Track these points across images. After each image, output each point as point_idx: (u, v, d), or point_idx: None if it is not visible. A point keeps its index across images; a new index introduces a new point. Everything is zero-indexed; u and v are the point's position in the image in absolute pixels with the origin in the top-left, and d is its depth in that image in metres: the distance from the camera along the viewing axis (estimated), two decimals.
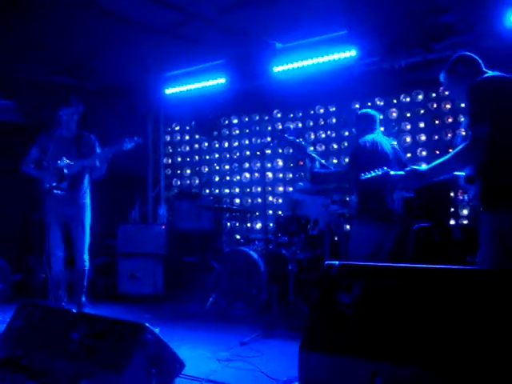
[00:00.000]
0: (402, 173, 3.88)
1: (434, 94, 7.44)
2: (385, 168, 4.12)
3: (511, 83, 3.61)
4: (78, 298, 6.07)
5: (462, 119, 7.00)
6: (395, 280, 2.83)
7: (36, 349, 3.96)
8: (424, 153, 7.42)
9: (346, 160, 7.89)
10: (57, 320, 4.08)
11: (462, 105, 7.04)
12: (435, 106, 7.44)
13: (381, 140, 5.63)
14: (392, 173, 4.14)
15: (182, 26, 6.57)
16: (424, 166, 3.76)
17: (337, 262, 3.02)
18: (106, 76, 8.65)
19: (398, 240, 5.70)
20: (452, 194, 6.89)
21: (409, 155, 7.41)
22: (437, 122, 7.41)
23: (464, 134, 4.09)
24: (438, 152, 7.14)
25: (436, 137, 7.39)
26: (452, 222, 7.05)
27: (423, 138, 7.51)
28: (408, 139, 7.59)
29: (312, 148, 8.28)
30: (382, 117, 7.73)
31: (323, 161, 6.29)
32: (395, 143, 5.99)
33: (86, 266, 6.09)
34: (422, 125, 7.53)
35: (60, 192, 5.91)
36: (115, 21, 6.42)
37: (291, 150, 8.53)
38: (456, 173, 4.04)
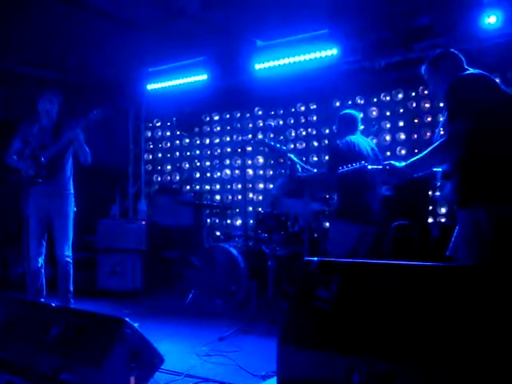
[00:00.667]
0: (380, 167, 3.92)
1: (413, 93, 7.52)
2: (362, 162, 4.16)
3: (490, 80, 3.67)
4: (64, 295, 5.80)
5: (441, 118, 7.08)
6: (373, 276, 2.87)
7: (15, 343, 3.95)
8: (403, 151, 7.50)
9: (326, 158, 7.99)
10: (35, 314, 4.07)
11: (441, 104, 7.14)
12: (415, 105, 7.52)
13: (358, 141, 5.67)
14: (369, 167, 4.19)
15: (165, 22, 6.57)
16: (402, 163, 3.80)
17: (315, 259, 3.05)
18: (87, 70, 8.60)
19: (376, 240, 5.76)
20: (430, 192, 6.97)
21: (388, 153, 7.49)
22: (416, 120, 7.50)
23: (442, 132, 4.14)
24: (416, 151, 7.20)
25: (415, 136, 7.47)
26: (430, 219, 7.14)
27: (403, 136, 7.58)
28: (388, 138, 7.66)
29: (292, 146, 8.33)
30: (362, 115, 7.79)
31: (303, 164, 6.38)
32: (374, 145, 6.03)
33: (69, 261, 5.81)
34: (401, 123, 7.61)
35: (40, 180, 5.72)
36: (97, 15, 6.41)
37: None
38: (434, 169, 4.08)
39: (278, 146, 6.34)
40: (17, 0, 6.03)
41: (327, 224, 7.66)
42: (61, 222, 5.79)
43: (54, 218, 5.82)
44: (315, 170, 6.52)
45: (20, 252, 7.34)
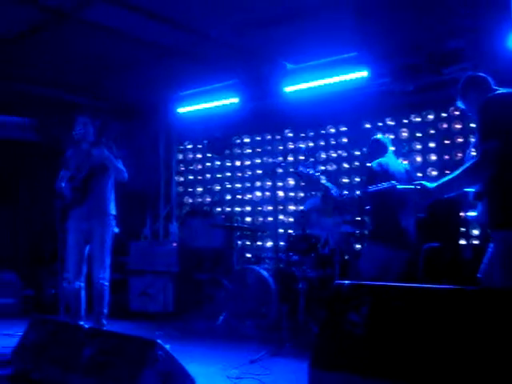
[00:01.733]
0: (410, 187, 3.90)
1: (444, 114, 7.47)
2: (392, 182, 4.15)
3: None
4: (97, 317, 5.76)
5: (473, 139, 7.03)
6: (405, 300, 2.84)
7: (48, 363, 4.01)
8: (434, 172, 7.44)
9: (357, 179, 7.99)
10: (69, 335, 4.13)
11: (472, 125, 7.09)
12: (445, 125, 7.46)
13: (390, 162, 5.72)
14: (399, 186, 4.18)
15: (196, 46, 6.66)
16: (433, 183, 3.77)
17: (347, 282, 3.04)
18: (119, 95, 8.76)
19: (409, 264, 5.73)
20: (462, 214, 6.89)
21: (419, 175, 7.43)
22: (447, 141, 7.44)
23: (474, 153, 4.11)
24: (448, 172, 7.12)
25: (446, 156, 7.41)
26: (462, 241, 7.05)
27: (434, 157, 7.52)
28: (418, 159, 7.61)
29: (323, 168, 8.31)
30: (392, 137, 7.79)
31: (335, 188, 6.45)
32: (407, 166, 6.06)
33: (105, 284, 5.78)
34: (432, 145, 7.55)
35: (76, 204, 5.77)
36: (130, 41, 6.53)
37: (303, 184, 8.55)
38: (466, 189, 4.04)
39: (312, 172, 6.37)
40: (52, 27, 6.18)
41: (358, 246, 7.64)
42: (97, 244, 5.77)
43: (92, 240, 5.80)
44: (346, 192, 6.55)
45: (53, 273, 7.44)
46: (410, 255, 5.77)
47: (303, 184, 8.62)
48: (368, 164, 5.76)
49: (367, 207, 5.87)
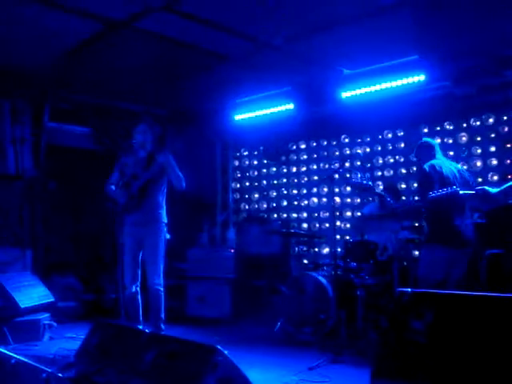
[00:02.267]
0: (472, 192, 3.83)
1: (505, 117, 7.30)
2: (454, 187, 4.08)
3: None
4: (155, 322, 5.87)
5: None
6: (469, 308, 2.79)
7: (109, 367, 4.07)
8: (495, 177, 7.26)
9: (415, 185, 7.88)
10: (130, 339, 4.18)
11: None
12: (506, 129, 7.30)
13: (443, 164, 5.63)
14: (461, 192, 4.11)
15: (252, 54, 6.70)
16: (495, 189, 3.69)
17: (409, 289, 3.01)
18: (176, 103, 8.89)
19: (470, 266, 5.62)
20: None
21: (480, 180, 7.29)
22: (508, 145, 7.26)
23: None
24: (509, 176, 6.99)
25: (508, 161, 7.23)
26: None
27: (494, 162, 7.36)
28: (479, 163, 7.46)
29: (380, 173, 8.24)
30: (451, 141, 7.66)
31: (388, 198, 6.41)
32: (461, 166, 5.95)
33: (160, 289, 5.87)
34: (492, 149, 7.39)
35: (131, 211, 5.88)
36: (185, 49, 6.61)
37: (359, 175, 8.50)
38: None
39: (365, 182, 6.37)
40: (109, 37, 6.30)
41: (416, 253, 7.52)
42: (151, 250, 5.88)
43: (145, 246, 5.92)
44: (403, 198, 6.48)
45: (114, 278, 7.59)
46: (472, 253, 5.65)
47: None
48: (423, 167, 5.67)
49: (424, 211, 5.77)
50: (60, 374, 4.21)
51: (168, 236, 6.09)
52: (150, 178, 5.91)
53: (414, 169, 8.05)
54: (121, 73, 7.36)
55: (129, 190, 5.93)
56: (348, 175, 8.26)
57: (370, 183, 6.51)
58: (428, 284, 5.37)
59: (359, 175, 6.60)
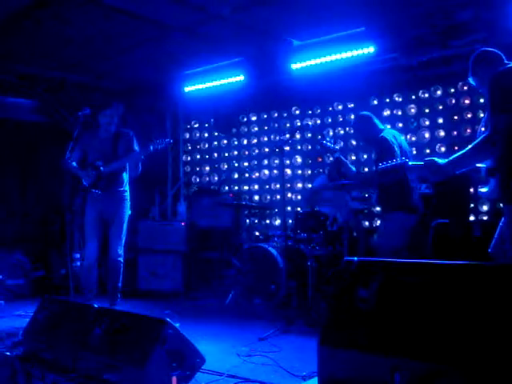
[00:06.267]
0: (421, 163, 3.86)
1: (452, 90, 7.40)
2: (403, 158, 4.12)
3: None
4: (113, 292, 6.25)
5: (482, 115, 6.97)
6: (414, 275, 2.83)
7: (59, 343, 4.03)
8: (443, 148, 7.38)
9: (365, 156, 7.96)
10: (79, 315, 4.14)
11: (481, 100, 7.03)
12: (454, 101, 7.39)
13: (396, 133, 5.84)
14: (410, 163, 4.15)
15: (201, 24, 6.59)
16: (444, 160, 3.72)
17: (355, 258, 3.04)
18: (125, 75, 8.71)
19: (418, 235, 5.77)
20: (471, 190, 6.86)
21: (428, 151, 7.40)
22: (456, 117, 7.37)
23: (483, 129, 4.07)
24: (456, 148, 7.10)
25: (455, 132, 7.35)
26: (471, 217, 7.03)
27: (442, 133, 7.47)
28: (427, 135, 7.56)
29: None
30: (400, 113, 7.74)
31: (350, 165, 6.52)
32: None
33: (121, 261, 6.26)
34: (440, 120, 7.49)
35: (98, 191, 6.08)
36: (134, 19, 6.46)
37: (310, 147, 8.53)
38: (478, 165, 4.01)
39: (332, 146, 6.49)
40: (55, 7, 6.11)
41: (366, 223, 7.63)
42: (117, 225, 6.24)
43: (111, 221, 6.25)
44: (354, 169, 6.57)
45: (63, 254, 7.50)
46: (420, 222, 5.85)
47: (310, 162, 8.59)
48: (380, 135, 5.77)
49: (380, 182, 5.85)
50: (8, 353, 4.16)
51: (129, 212, 6.42)
52: (120, 166, 6.22)
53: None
54: (69, 44, 7.16)
55: (97, 171, 6.09)
56: (320, 136, 8.25)
57: (337, 147, 6.69)
58: (386, 252, 5.48)
59: (328, 139, 6.73)
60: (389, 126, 7.22)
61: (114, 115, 6.31)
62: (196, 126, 9.99)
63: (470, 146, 3.57)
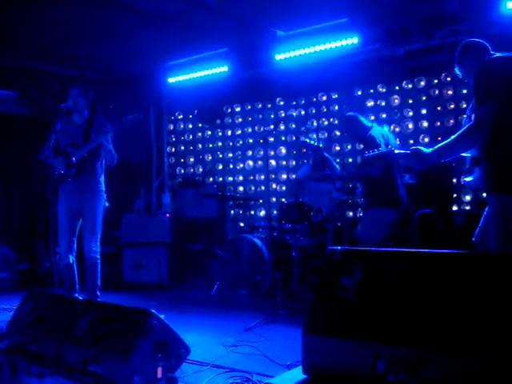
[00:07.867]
0: (407, 152, 3.88)
1: (436, 81, 7.45)
2: (389, 146, 4.14)
3: None
4: (91, 290, 5.81)
5: (465, 105, 7.02)
6: (397, 264, 2.85)
7: (43, 335, 4.01)
8: (426, 139, 7.44)
9: (349, 147, 8.00)
10: (64, 307, 4.12)
11: (464, 91, 7.08)
12: (437, 92, 7.45)
13: (382, 130, 5.86)
14: (396, 151, 4.18)
15: (185, 14, 6.57)
16: (429, 149, 3.74)
17: (339, 247, 3.05)
18: (107, 65, 8.65)
19: (398, 226, 5.81)
20: (454, 180, 6.91)
21: (411, 141, 7.45)
22: (439, 108, 7.42)
23: (469, 119, 4.09)
24: (440, 138, 7.14)
25: (438, 123, 7.40)
26: (454, 207, 7.08)
27: (425, 124, 7.52)
28: (410, 126, 7.61)
29: (314, 136, 8.30)
30: (384, 103, 7.77)
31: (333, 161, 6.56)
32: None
33: (97, 257, 5.81)
34: (424, 111, 7.54)
35: (69, 179, 5.72)
36: (116, 9, 6.41)
37: (294, 138, 8.53)
38: (463, 154, 4.03)
39: (316, 143, 6.51)
40: None
41: (351, 213, 7.67)
42: (90, 218, 5.79)
43: (84, 214, 5.82)
44: (338, 168, 6.67)
45: (48, 247, 7.44)
46: (404, 213, 5.88)
47: (295, 152, 8.61)
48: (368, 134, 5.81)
49: (367, 173, 5.87)
50: None
51: (107, 204, 6.00)
52: (89, 151, 5.77)
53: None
54: (49, 34, 7.10)
55: (67, 159, 5.75)
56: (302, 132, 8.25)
57: (321, 145, 6.70)
58: (368, 245, 5.51)
59: (314, 136, 6.75)
60: (372, 117, 7.27)
61: (80, 96, 5.86)
62: (180, 117, 9.97)
63: (455, 135, 3.59)
